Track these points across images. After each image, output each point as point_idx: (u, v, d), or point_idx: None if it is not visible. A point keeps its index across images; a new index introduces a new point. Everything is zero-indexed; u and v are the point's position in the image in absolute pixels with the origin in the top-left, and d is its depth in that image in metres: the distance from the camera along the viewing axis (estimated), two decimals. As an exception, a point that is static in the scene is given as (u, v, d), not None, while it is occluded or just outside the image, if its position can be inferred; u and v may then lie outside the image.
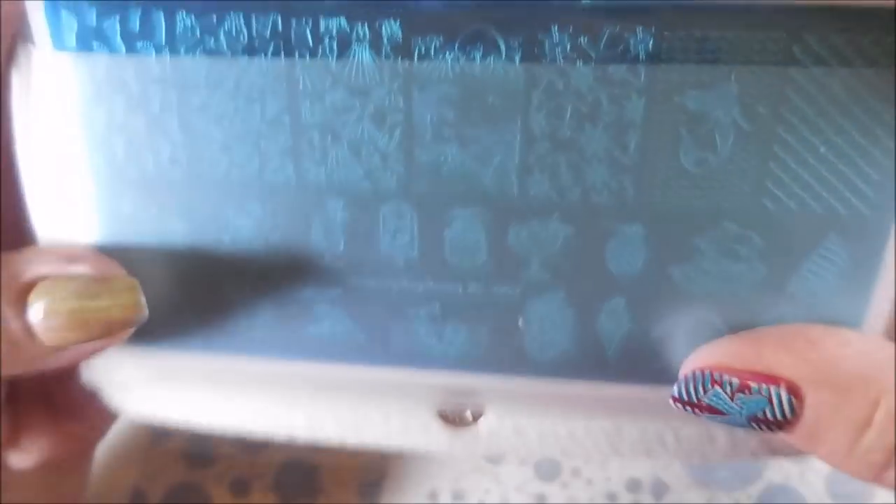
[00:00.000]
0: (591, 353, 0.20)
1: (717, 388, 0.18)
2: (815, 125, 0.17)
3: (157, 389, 0.23)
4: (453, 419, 0.22)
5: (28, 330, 0.19)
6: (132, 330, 0.20)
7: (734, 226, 0.18)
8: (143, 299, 0.19)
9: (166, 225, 0.20)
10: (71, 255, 0.19)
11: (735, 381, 0.18)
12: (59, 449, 0.24)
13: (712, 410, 0.18)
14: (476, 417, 0.22)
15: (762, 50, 0.17)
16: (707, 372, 0.18)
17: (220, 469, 0.32)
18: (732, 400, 0.18)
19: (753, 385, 0.18)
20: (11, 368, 0.19)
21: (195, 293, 0.21)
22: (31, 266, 0.19)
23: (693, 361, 0.19)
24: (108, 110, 0.19)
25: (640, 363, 0.20)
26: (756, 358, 0.18)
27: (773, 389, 0.18)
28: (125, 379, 0.23)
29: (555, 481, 0.32)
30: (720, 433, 0.22)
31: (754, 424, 0.18)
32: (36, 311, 0.19)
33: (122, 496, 0.32)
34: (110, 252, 0.20)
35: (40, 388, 0.24)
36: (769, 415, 0.18)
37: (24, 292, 0.19)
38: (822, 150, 0.17)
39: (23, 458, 0.24)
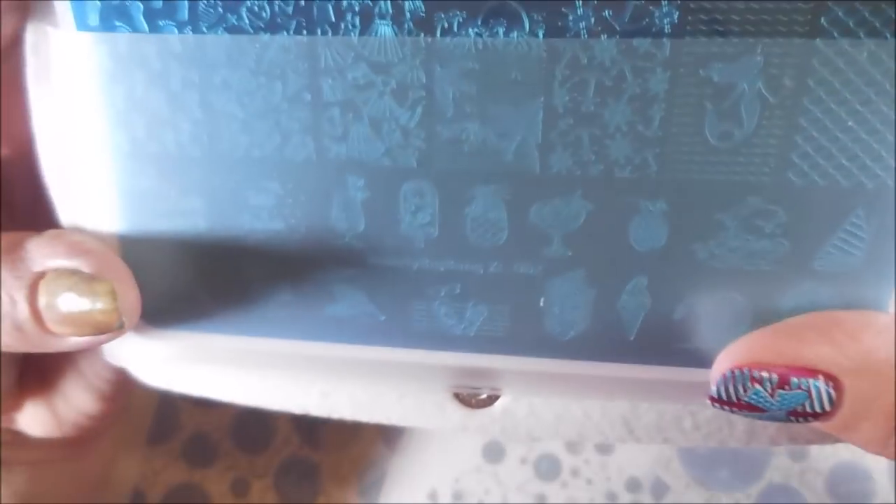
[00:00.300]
0: (612, 334, 0.20)
1: (757, 385, 0.18)
2: (841, 97, 0.17)
3: (178, 368, 0.23)
4: (468, 400, 0.22)
5: (38, 316, 0.19)
6: (126, 331, 0.20)
7: (759, 201, 0.18)
8: (122, 305, 0.19)
9: (186, 203, 0.20)
10: (74, 248, 0.20)
11: (775, 377, 0.18)
12: (69, 418, 0.25)
13: (752, 408, 0.18)
14: (493, 399, 0.22)
15: (788, 21, 0.16)
16: (746, 370, 0.18)
17: (220, 469, 0.32)
18: (773, 396, 0.18)
19: (794, 380, 0.18)
20: (17, 347, 0.20)
21: (214, 274, 0.21)
22: (44, 256, 0.19)
23: (728, 359, 0.19)
24: (129, 88, 0.19)
25: (662, 344, 0.20)
26: (795, 352, 0.18)
27: (812, 383, 0.17)
28: (146, 358, 0.23)
29: (555, 481, 0.32)
30: (738, 419, 0.22)
31: (793, 418, 0.18)
32: (42, 301, 0.19)
33: (122, 496, 0.32)
34: (128, 231, 0.21)
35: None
36: (808, 408, 0.18)
37: (35, 280, 0.19)
38: (849, 122, 0.17)
39: (33, 424, 0.24)
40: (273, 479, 0.32)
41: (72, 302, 0.19)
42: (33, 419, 0.25)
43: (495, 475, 0.32)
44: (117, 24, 0.18)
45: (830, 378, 0.17)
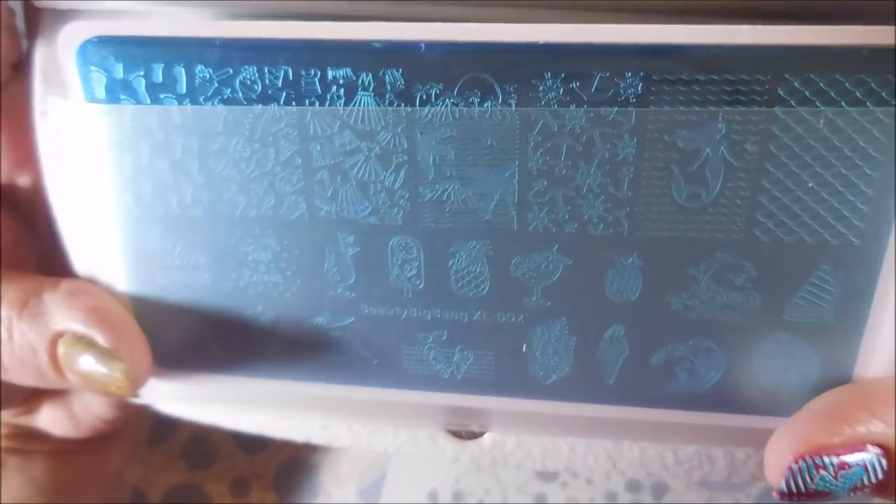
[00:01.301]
0: (593, 378, 0.21)
1: (822, 472, 0.18)
2: (802, 161, 0.18)
3: (188, 404, 0.24)
4: (459, 433, 0.23)
5: (57, 367, 0.21)
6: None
7: (728, 256, 0.19)
8: (135, 378, 0.21)
9: (190, 258, 0.21)
10: (92, 315, 0.21)
11: (836, 460, 0.18)
12: (86, 421, 0.26)
13: (821, 495, 0.18)
14: (483, 432, 0.23)
15: (748, 91, 0.17)
16: (809, 459, 0.18)
17: (220, 469, 0.33)
18: (836, 479, 0.18)
19: (851, 460, 0.18)
20: (40, 385, 0.22)
21: (219, 322, 0.22)
22: (63, 315, 0.21)
23: (790, 450, 0.18)
24: (135, 155, 0.20)
25: (640, 387, 0.21)
26: (851, 432, 0.18)
27: (867, 458, 0.18)
28: (159, 396, 0.24)
29: (555, 481, 0.32)
30: (719, 455, 0.22)
31: (852, 493, 0.18)
32: (61, 357, 0.21)
33: (123, 496, 0.33)
34: (139, 284, 0.22)
35: None
36: (866, 481, 0.18)
37: (56, 337, 0.21)
38: (811, 184, 0.18)
39: (51, 424, 0.26)
40: (273, 479, 0.32)
41: (89, 365, 0.21)
42: (51, 420, 0.26)
43: (495, 475, 0.33)
44: (122, 97, 0.20)
45: (883, 448, 0.18)
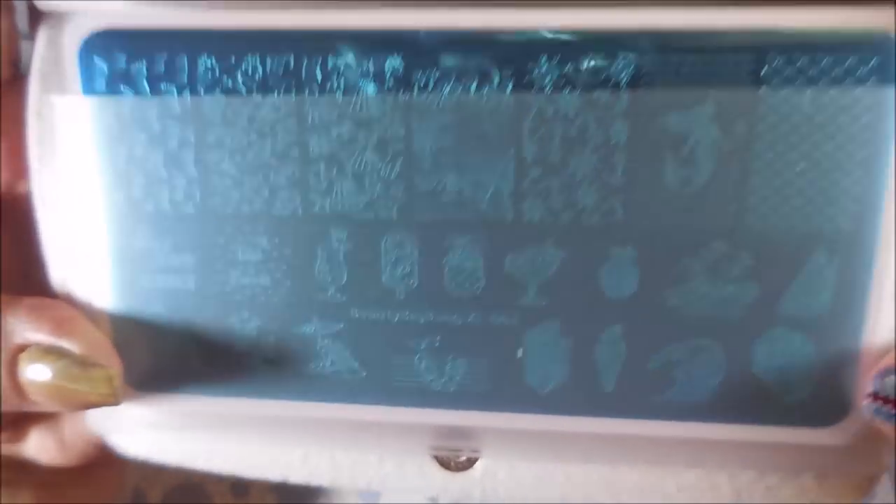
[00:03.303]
0: (590, 386, 0.20)
1: None
2: (790, 143, 0.18)
3: (155, 433, 0.22)
4: (448, 463, 0.22)
5: (17, 388, 0.20)
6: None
7: (723, 245, 0.19)
8: (119, 389, 0.20)
9: (177, 260, 0.21)
10: (62, 326, 0.20)
11: None
12: (77, 446, 0.24)
13: None
14: (472, 462, 0.22)
15: (733, 72, 0.18)
16: None
17: None
18: None
19: None
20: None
21: (201, 334, 0.21)
22: (26, 329, 0.20)
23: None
24: (130, 148, 0.20)
25: (639, 396, 0.20)
26: None
27: None
28: (127, 425, 0.22)
29: None
30: (723, 480, 0.21)
31: None
32: (24, 374, 0.20)
33: (123, 496, 0.31)
34: (119, 291, 0.21)
35: None
36: None
37: (16, 353, 0.20)
38: (800, 166, 0.18)
39: (40, 452, 0.24)
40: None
41: (62, 377, 0.19)
42: (40, 447, 0.24)
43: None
44: (122, 87, 0.20)
45: None
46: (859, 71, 0.18)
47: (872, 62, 0.18)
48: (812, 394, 0.20)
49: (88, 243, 0.21)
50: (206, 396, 0.22)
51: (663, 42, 0.18)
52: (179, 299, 0.21)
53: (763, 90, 0.18)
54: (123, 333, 0.21)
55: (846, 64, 0.18)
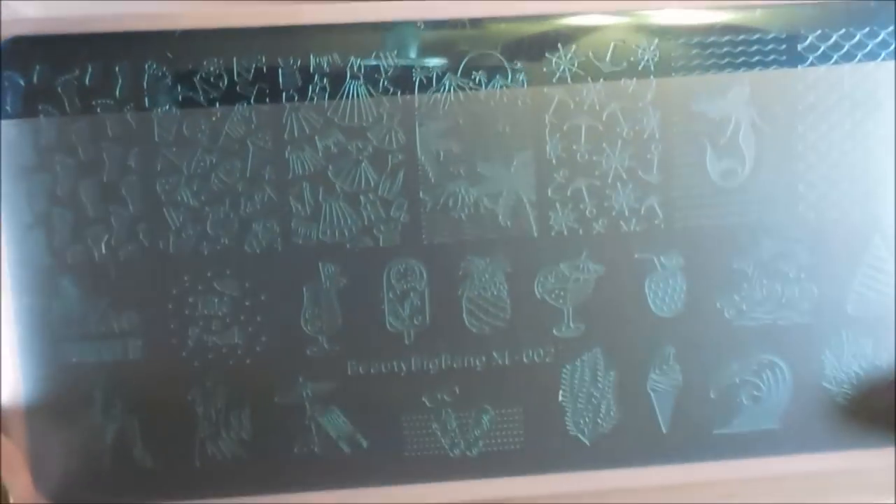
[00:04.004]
0: (644, 426, 0.17)
1: None
2: (832, 121, 0.17)
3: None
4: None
5: None
6: None
7: (776, 242, 0.17)
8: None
9: (115, 323, 0.16)
10: None
11: None
12: None
13: None
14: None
15: (768, 51, 0.16)
16: None
17: None
18: None
19: None
20: None
21: (145, 421, 0.16)
22: None
23: None
24: (52, 183, 0.16)
25: (701, 431, 0.17)
26: None
27: None
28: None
29: None
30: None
31: None
32: None
33: None
34: (35, 373, 0.16)
35: None
36: None
37: None
38: (847, 145, 0.17)
39: None
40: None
41: None
42: None
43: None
44: (41, 107, 0.16)
45: None
46: (887, 41, 0.17)
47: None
48: (888, 407, 0.17)
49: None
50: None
51: (690, 21, 0.16)
52: (121, 374, 0.16)
53: (799, 68, 0.17)
54: (42, 427, 0.16)
55: (881, 37, 0.17)
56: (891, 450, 0.18)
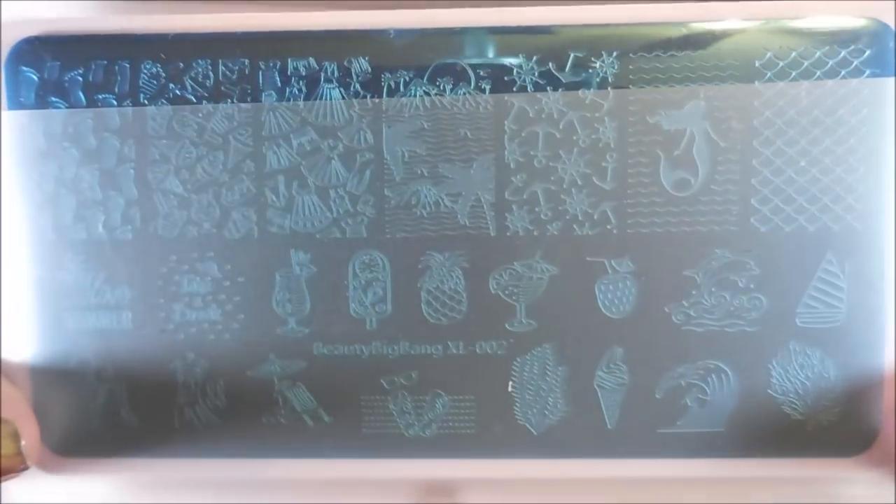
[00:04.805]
0: (591, 420, 0.18)
1: None
2: (788, 137, 0.17)
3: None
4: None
5: None
6: (22, 473, 0.17)
7: (727, 252, 0.17)
8: (25, 448, 0.17)
9: (112, 295, 0.18)
10: None
11: None
12: None
13: None
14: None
15: (726, 66, 0.17)
16: None
17: None
18: None
19: None
20: None
21: (139, 383, 0.18)
22: None
23: None
24: (59, 167, 0.18)
25: (647, 429, 0.18)
26: None
27: None
28: (54, 497, 0.19)
29: None
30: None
31: None
32: None
33: None
34: (43, 334, 0.18)
35: None
36: None
37: None
38: (802, 162, 0.17)
39: None
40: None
41: None
42: None
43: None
44: (53, 99, 0.18)
45: None
46: (855, 62, 0.17)
47: (868, 53, 0.17)
48: (836, 418, 0.18)
49: (7, 278, 0.18)
50: (143, 459, 0.19)
51: (649, 36, 0.17)
52: (113, 342, 0.18)
53: (757, 83, 0.17)
54: (45, 385, 0.18)
55: (841, 56, 0.17)
56: (839, 460, 0.18)
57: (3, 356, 0.18)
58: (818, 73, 0.17)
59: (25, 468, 0.17)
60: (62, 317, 0.18)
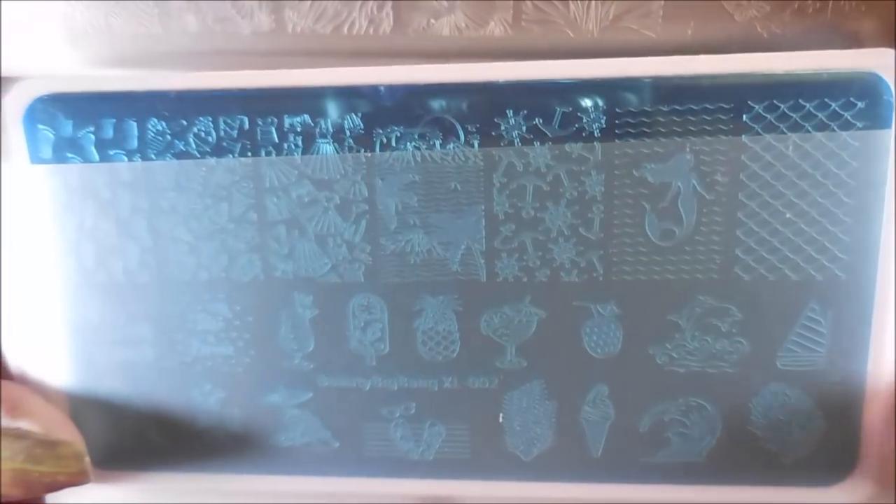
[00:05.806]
0: (577, 450, 0.19)
1: None
2: (775, 190, 0.17)
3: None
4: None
5: None
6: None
7: (710, 299, 0.18)
8: (88, 465, 0.19)
9: (134, 331, 0.20)
10: (19, 407, 0.19)
11: None
12: None
13: None
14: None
15: (713, 120, 0.17)
16: None
17: None
18: None
19: None
20: None
21: (162, 408, 0.20)
22: None
23: None
24: (80, 217, 0.19)
25: (630, 459, 0.19)
26: None
27: None
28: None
29: None
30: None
31: None
32: None
33: None
34: (76, 366, 0.20)
35: None
36: None
37: None
38: (787, 214, 0.17)
39: None
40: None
41: (25, 462, 0.18)
42: None
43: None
44: (69, 155, 0.19)
45: None
46: (846, 115, 0.17)
47: (860, 105, 0.17)
48: (814, 451, 0.19)
49: (41, 317, 0.20)
50: (169, 473, 0.21)
51: (635, 91, 0.17)
52: (137, 373, 0.20)
53: (744, 137, 0.17)
54: (81, 410, 0.20)
55: (831, 108, 0.17)
56: (816, 490, 0.19)
57: (43, 383, 0.20)
58: (807, 126, 0.17)
59: (88, 482, 0.19)
60: (91, 351, 0.20)
